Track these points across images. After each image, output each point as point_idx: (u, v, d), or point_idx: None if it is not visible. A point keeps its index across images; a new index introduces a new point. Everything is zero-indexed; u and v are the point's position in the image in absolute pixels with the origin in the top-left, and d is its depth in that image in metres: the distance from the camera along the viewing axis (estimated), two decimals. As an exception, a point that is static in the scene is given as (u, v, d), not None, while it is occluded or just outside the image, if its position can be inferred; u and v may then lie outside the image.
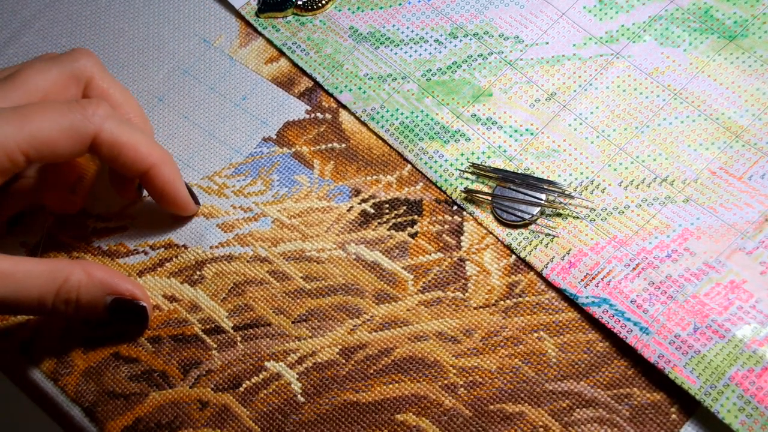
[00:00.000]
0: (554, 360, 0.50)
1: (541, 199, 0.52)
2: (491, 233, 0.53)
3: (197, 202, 0.55)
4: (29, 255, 0.56)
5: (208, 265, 0.54)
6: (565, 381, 0.49)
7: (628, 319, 0.49)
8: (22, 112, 0.48)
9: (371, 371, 0.51)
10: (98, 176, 0.56)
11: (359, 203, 0.55)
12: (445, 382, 0.50)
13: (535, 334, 0.50)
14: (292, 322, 0.52)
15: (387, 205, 0.54)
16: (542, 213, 0.53)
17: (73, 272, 0.50)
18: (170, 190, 0.53)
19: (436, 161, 0.55)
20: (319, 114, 0.57)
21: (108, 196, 0.57)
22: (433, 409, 0.50)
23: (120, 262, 0.55)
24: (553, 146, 0.54)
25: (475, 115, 0.56)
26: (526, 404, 0.49)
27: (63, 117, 0.48)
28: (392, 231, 0.54)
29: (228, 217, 0.55)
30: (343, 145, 0.56)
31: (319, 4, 0.60)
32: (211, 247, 0.55)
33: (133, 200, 0.56)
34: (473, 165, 0.54)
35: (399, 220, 0.54)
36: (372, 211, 0.54)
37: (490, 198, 0.53)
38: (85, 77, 0.53)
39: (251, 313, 0.53)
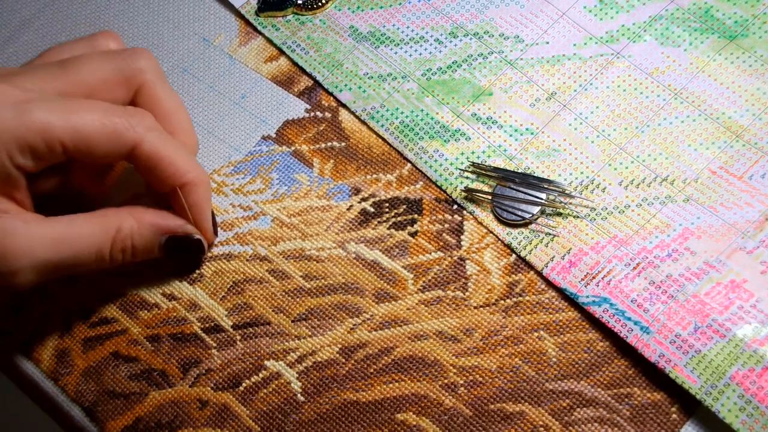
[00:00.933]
0: (554, 359, 0.50)
1: (542, 199, 0.52)
2: (491, 232, 0.53)
3: (216, 234, 0.54)
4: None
5: (207, 263, 0.54)
6: (565, 380, 0.49)
7: (629, 319, 0.49)
8: (69, 104, 0.47)
9: (371, 370, 0.51)
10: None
11: (359, 202, 0.55)
12: (445, 381, 0.50)
13: (536, 334, 0.50)
14: (292, 321, 0.52)
15: (387, 204, 0.54)
16: (542, 212, 0.53)
17: (124, 220, 0.50)
18: (197, 213, 0.52)
19: (436, 160, 0.55)
20: (318, 113, 0.57)
21: (106, 194, 0.57)
22: (433, 408, 0.50)
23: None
24: (553, 146, 0.54)
25: (476, 114, 0.56)
26: (527, 404, 0.49)
27: (107, 119, 0.48)
28: (392, 230, 0.54)
29: (227, 215, 0.55)
30: (343, 144, 0.56)
31: (319, 4, 0.60)
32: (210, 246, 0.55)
33: (99, 193, 0.56)
34: (473, 164, 0.54)
35: (399, 219, 0.54)
36: (372, 210, 0.54)
37: (490, 197, 0.53)
38: (137, 82, 0.52)
39: (251, 311, 0.53)
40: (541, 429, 0.48)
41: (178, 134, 0.53)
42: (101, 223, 0.49)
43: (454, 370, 0.50)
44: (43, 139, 0.46)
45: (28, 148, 0.46)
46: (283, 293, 0.53)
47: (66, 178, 0.53)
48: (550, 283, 0.51)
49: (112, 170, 0.56)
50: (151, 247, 0.51)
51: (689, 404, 0.48)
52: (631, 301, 0.49)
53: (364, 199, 0.55)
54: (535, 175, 0.53)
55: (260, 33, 0.60)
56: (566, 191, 0.52)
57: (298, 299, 0.53)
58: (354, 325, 0.52)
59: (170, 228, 0.51)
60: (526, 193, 0.53)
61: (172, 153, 0.50)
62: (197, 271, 0.54)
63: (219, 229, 0.55)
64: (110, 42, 0.54)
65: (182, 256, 0.53)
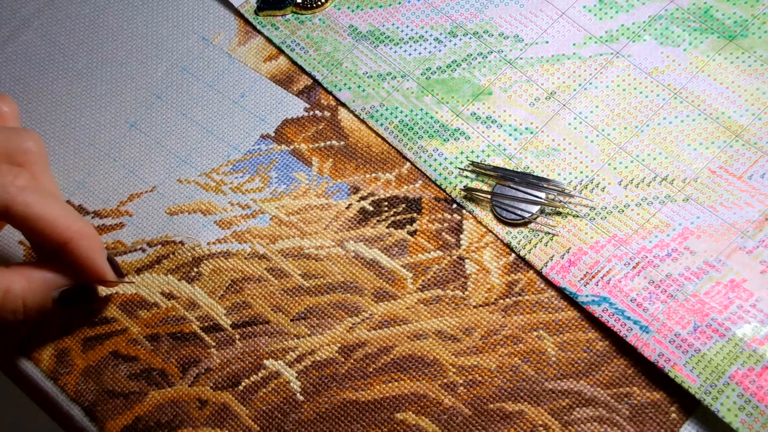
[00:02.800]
0: (554, 359, 0.50)
1: (541, 198, 0.52)
2: (491, 231, 0.53)
3: (120, 275, 0.52)
4: (28, 254, 0.56)
5: (205, 261, 0.54)
6: (564, 380, 0.49)
7: (628, 318, 0.49)
8: None
9: (370, 370, 0.51)
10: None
11: (358, 201, 0.55)
12: (445, 380, 0.50)
13: (535, 333, 0.50)
14: (291, 320, 0.52)
15: (386, 203, 0.54)
16: (542, 211, 0.53)
17: (13, 282, 0.48)
18: (88, 265, 0.50)
19: (435, 159, 0.55)
20: (317, 112, 0.57)
21: (104, 192, 0.57)
22: (433, 407, 0.50)
23: (118, 260, 0.55)
24: (552, 145, 0.54)
25: (475, 113, 0.56)
26: (526, 403, 0.49)
27: None
28: (391, 229, 0.54)
29: (225, 213, 0.55)
30: (342, 143, 0.56)
31: (319, 2, 0.60)
32: (208, 244, 0.55)
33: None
34: (473, 163, 0.54)
35: (398, 217, 0.54)
36: (371, 208, 0.54)
37: (489, 196, 0.53)
38: (20, 162, 0.50)
39: (249, 310, 0.53)
40: (541, 428, 0.48)
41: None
42: None
43: (454, 370, 0.50)
44: None
45: None
46: (282, 292, 0.53)
47: None
48: (549, 283, 0.51)
49: None
50: (44, 303, 0.50)
51: (689, 403, 0.48)
52: (631, 300, 0.49)
53: (363, 198, 0.55)
54: (535, 174, 0.53)
55: (259, 32, 0.60)
56: (566, 190, 0.52)
57: (297, 298, 0.53)
58: (353, 324, 0.52)
59: (62, 282, 0.50)
60: (525, 193, 0.52)
61: (50, 211, 0.48)
62: (195, 270, 0.54)
63: (216, 226, 0.55)
64: (4, 106, 0.53)
65: (76, 303, 0.51)
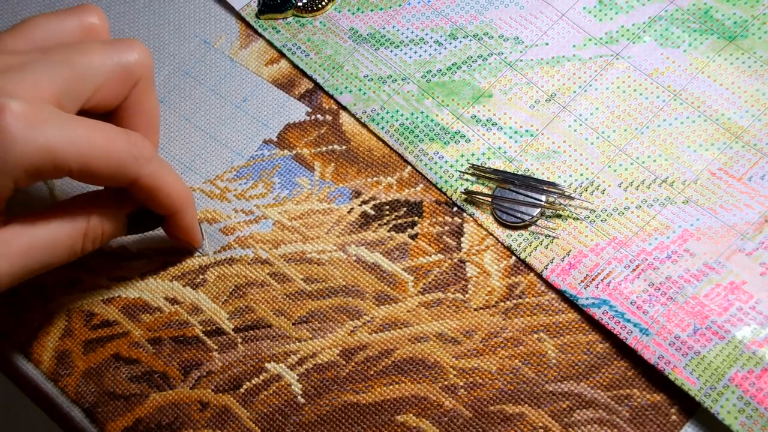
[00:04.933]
0: (554, 361, 0.50)
1: (541, 201, 0.52)
2: (491, 234, 0.53)
3: (203, 236, 0.55)
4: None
5: (210, 269, 0.54)
6: (565, 382, 0.49)
7: (628, 321, 0.49)
8: (80, 127, 0.46)
9: (371, 372, 0.51)
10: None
11: (360, 205, 0.55)
12: (446, 383, 0.50)
13: (535, 335, 0.50)
14: (293, 324, 0.52)
15: (387, 207, 0.54)
16: (542, 214, 0.53)
17: (91, 214, 0.49)
18: (190, 233, 0.53)
19: (436, 162, 0.55)
20: (319, 116, 0.57)
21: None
22: (434, 410, 0.50)
23: (123, 265, 0.55)
24: (553, 147, 0.54)
25: (475, 116, 0.56)
26: (526, 405, 0.49)
27: (114, 151, 0.47)
28: (392, 232, 0.54)
29: (229, 220, 0.55)
30: (344, 147, 0.56)
31: (319, 6, 0.60)
32: (214, 252, 0.55)
33: None
34: (473, 166, 0.54)
35: (399, 221, 0.54)
36: (372, 212, 0.54)
37: (490, 199, 0.53)
38: (135, 78, 0.50)
39: (252, 314, 0.53)
40: (541, 430, 0.49)
41: (153, 135, 0.52)
42: (72, 222, 0.48)
43: (454, 372, 0.50)
44: (53, 165, 0.45)
45: (35, 171, 0.45)
46: (284, 296, 0.53)
47: None
48: (549, 285, 0.51)
49: None
50: (118, 229, 0.50)
51: (689, 406, 0.48)
52: (631, 302, 0.49)
53: (364, 202, 0.55)
54: (535, 177, 0.53)
55: (261, 35, 0.60)
56: (566, 193, 0.52)
57: (299, 302, 0.53)
58: (354, 327, 0.52)
59: (132, 205, 0.50)
60: (525, 195, 0.53)
61: (168, 183, 0.49)
62: (200, 277, 0.54)
63: (221, 234, 0.55)
64: (95, 18, 0.52)
65: (145, 226, 0.52)
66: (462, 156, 0.55)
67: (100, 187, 0.51)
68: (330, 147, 0.57)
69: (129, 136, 0.48)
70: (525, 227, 0.53)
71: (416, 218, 0.54)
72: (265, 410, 0.51)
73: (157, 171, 0.49)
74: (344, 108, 0.57)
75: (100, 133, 0.47)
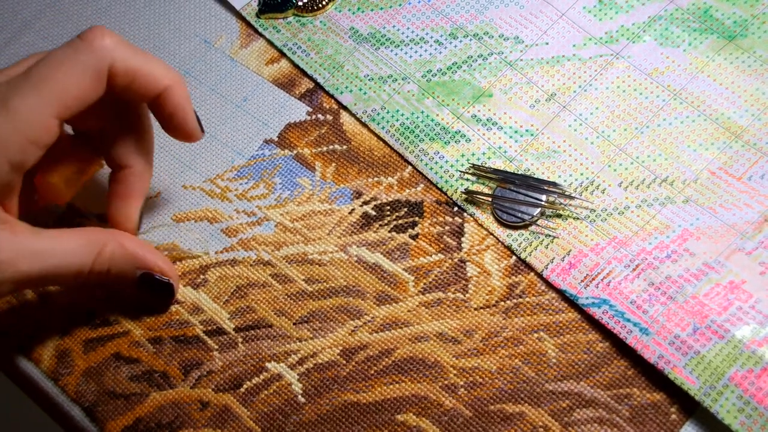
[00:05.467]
0: (554, 360, 0.50)
1: (542, 200, 0.52)
2: (492, 234, 0.53)
3: (203, 130, 0.53)
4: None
5: (211, 269, 0.54)
6: (565, 381, 0.49)
7: (628, 320, 0.49)
8: (37, 76, 0.47)
9: (372, 372, 0.51)
10: (95, 176, 0.56)
11: (360, 205, 0.55)
12: (446, 382, 0.50)
13: (536, 335, 0.51)
14: (294, 324, 0.52)
15: (388, 207, 0.54)
16: (542, 214, 0.53)
17: (108, 242, 0.49)
18: (181, 113, 0.51)
19: (436, 162, 0.55)
20: (320, 115, 0.57)
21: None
22: (434, 409, 0.50)
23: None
24: (553, 147, 0.54)
25: (476, 115, 0.56)
26: (526, 404, 0.49)
27: (75, 62, 0.47)
28: (393, 233, 0.54)
29: (231, 221, 0.55)
30: (345, 147, 0.56)
31: (320, 5, 0.60)
32: (216, 253, 0.55)
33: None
34: (473, 166, 0.54)
35: (400, 221, 0.54)
36: (373, 213, 0.54)
37: (490, 199, 0.53)
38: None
39: (253, 314, 0.53)
40: (541, 430, 0.49)
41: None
42: (88, 243, 0.49)
43: (455, 371, 0.50)
44: (40, 126, 0.46)
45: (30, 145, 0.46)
46: (286, 296, 0.53)
47: (28, 188, 0.53)
48: (550, 285, 0.51)
49: (80, 177, 0.54)
50: (125, 276, 0.51)
51: (688, 405, 0.48)
52: (631, 302, 0.49)
53: (365, 203, 0.55)
54: (535, 176, 0.53)
55: (261, 35, 0.60)
56: (566, 193, 0.52)
57: (300, 302, 0.53)
58: (355, 327, 0.52)
59: (148, 263, 0.51)
60: (526, 195, 0.53)
61: (146, 62, 0.49)
62: (201, 277, 0.54)
63: (223, 235, 0.55)
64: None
65: (151, 295, 0.52)
66: (462, 156, 0.55)
67: None
68: (331, 147, 0.57)
69: (82, 37, 0.48)
70: (525, 227, 0.53)
71: (417, 218, 0.54)
72: (265, 410, 0.51)
73: (129, 54, 0.49)
74: (345, 108, 0.57)
75: (50, 63, 0.47)
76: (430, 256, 0.53)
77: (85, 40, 0.48)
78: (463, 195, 0.54)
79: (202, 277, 0.54)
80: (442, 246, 0.53)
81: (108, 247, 0.49)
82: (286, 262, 0.54)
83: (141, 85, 0.49)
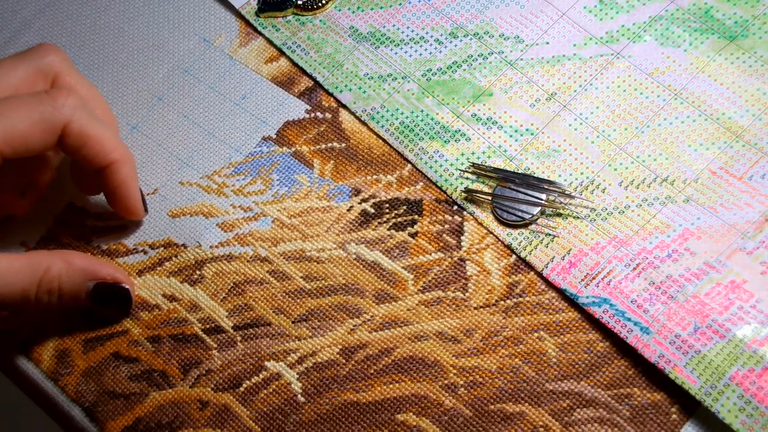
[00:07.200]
0: (554, 360, 0.50)
1: (542, 199, 0.52)
2: (491, 233, 0.53)
3: (146, 210, 0.55)
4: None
5: (207, 264, 0.54)
6: (565, 381, 0.49)
7: (629, 319, 0.49)
8: None
9: (371, 371, 0.51)
10: (51, 183, 0.56)
11: (359, 203, 0.55)
12: (446, 381, 0.50)
13: (536, 334, 0.50)
14: (292, 322, 0.52)
15: (387, 205, 0.54)
16: (542, 213, 0.53)
17: (53, 262, 0.50)
18: (124, 190, 0.53)
19: (436, 161, 0.55)
20: (319, 113, 0.57)
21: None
22: (434, 409, 0.50)
23: (120, 261, 0.55)
24: (553, 146, 0.54)
25: (476, 114, 0.56)
26: (527, 404, 0.49)
27: (34, 110, 0.48)
28: (392, 231, 0.54)
29: (228, 216, 0.55)
30: (343, 145, 0.56)
31: (319, 4, 0.60)
32: (210, 247, 0.55)
33: (92, 194, 0.57)
34: (473, 165, 0.54)
35: (399, 219, 0.54)
36: (372, 210, 0.54)
37: (490, 198, 0.53)
38: (52, 73, 0.53)
39: (251, 312, 0.53)
40: (541, 429, 0.48)
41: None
42: (30, 263, 0.49)
43: (455, 371, 0.50)
44: None
45: None
46: (284, 294, 0.53)
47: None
48: (550, 284, 0.51)
49: (35, 189, 0.56)
50: (78, 291, 0.51)
51: (689, 404, 0.48)
52: (631, 301, 0.49)
53: (364, 200, 0.55)
54: (535, 175, 0.53)
55: (260, 34, 0.60)
56: (566, 192, 0.52)
57: (298, 300, 0.53)
58: (354, 325, 0.52)
59: (100, 274, 0.51)
60: (526, 194, 0.53)
61: (100, 131, 0.50)
62: (198, 273, 0.54)
63: (219, 229, 0.55)
64: (52, 57, 0.54)
65: (109, 304, 0.53)
66: (462, 155, 0.55)
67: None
68: (329, 144, 0.56)
69: (49, 92, 0.50)
70: (525, 226, 0.53)
71: (416, 216, 0.54)
72: (264, 409, 0.51)
73: (86, 119, 0.50)
74: (344, 106, 0.57)
75: (17, 101, 0.48)
76: (430, 254, 0.53)
77: (50, 96, 0.49)
78: (463, 193, 0.54)
79: (198, 273, 0.54)
80: (441, 244, 0.53)
81: (54, 267, 0.50)
82: (284, 258, 0.54)
83: (89, 153, 0.51)
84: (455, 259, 0.53)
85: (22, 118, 0.48)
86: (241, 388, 0.51)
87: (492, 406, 0.49)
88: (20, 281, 0.49)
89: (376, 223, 0.54)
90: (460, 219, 0.54)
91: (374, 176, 0.55)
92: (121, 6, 0.62)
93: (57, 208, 0.57)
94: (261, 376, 0.51)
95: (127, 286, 0.52)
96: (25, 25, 0.63)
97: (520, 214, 0.52)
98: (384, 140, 0.56)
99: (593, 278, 0.50)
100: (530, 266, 0.52)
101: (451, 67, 0.57)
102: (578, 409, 0.49)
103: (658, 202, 0.52)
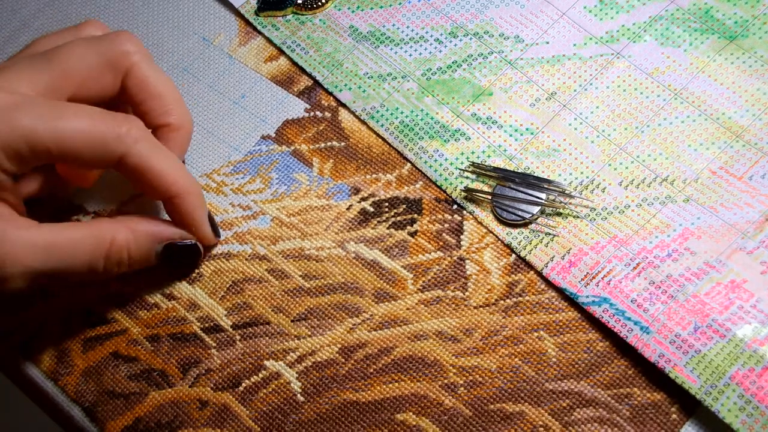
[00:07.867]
0: (554, 359, 0.50)
1: (542, 199, 0.52)
2: (491, 232, 0.53)
3: (218, 234, 0.54)
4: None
5: (206, 262, 0.54)
6: (565, 380, 0.49)
7: (629, 319, 0.49)
8: (57, 110, 0.47)
9: (371, 370, 0.51)
10: None
11: (359, 202, 0.55)
12: (445, 381, 0.50)
13: (535, 334, 0.50)
14: (292, 321, 0.52)
15: (386, 204, 0.54)
16: (542, 212, 0.53)
17: (119, 232, 0.49)
18: (189, 222, 0.51)
19: (436, 160, 0.55)
20: (318, 112, 0.57)
21: (105, 192, 0.57)
22: (433, 408, 0.50)
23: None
24: (553, 146, 0.54)
25: (476, 114, 0.56)
26: (526, 404, 0.49)
27: (96, 129, 0.47)
28: (392, 230, 0.54)
29: (226, 215, 0.55)
30: (343, 144, 0.56)
31: (319, 3, 0.60)
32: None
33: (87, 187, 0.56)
34: (473, 164, 0.54)
35: (398, 218, 0.54)
36: (371, 209, 0.54)
37: (490, 197, 0.53)
38: (125, 66, 0.51)
39: (250, 311, 0.53)
40: (541, 429, 0.48)
41: (170, 114, 0.53)
42: (95, 235, 0.48)
43: (454, 370, 0.50)
44: (29, 146, 0.46)
45: (13, 153, 0.46)
46: (283, 293, 0.53)
47: (51, 174, 0.53)
48: (550, 283, 0.51)
49: None
50: (148, 256, 0.51)
51: (689, 404, 0.48)
52: (631, 301, 0.49)
53: (363, 199, 0.55)
54: (535, 175, 0.53)
55: (260, 33, 0.60)
56: (566, 191, 0.52)
57: (297, 299, 0.53)
58: (353, 324, 0.52)
59: (167, 236, 0.51)
60: (526, 193, 0.52)
61: (159, 165, 0.49)
62: (196, 271, 0.54)
63: (219, 228, 0.55)
64: (96, 30, 0.54)
65: (180, 262, 0.52)
66: (462, 154, 0.55)
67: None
68: (329, 143, 0.56)
69: (115, 116, 0.48)
70: (525, 225, 0.53)
71: (416, 215, 0.54)
72: (264, 408, 0.51)
73: (146, 151, 0.49)
74: (343, 105, 0.57)
75: (81, 111, 0.47)
76: (429, 253, 0.53)
77: (116, 121, 0.48)
78: (463, 193, 0.54)
79: (196, 271, 0.54)
80: (441, 243, 0.53)
81: (120, 236, 0.49)
82: (283, 257, 0.54)
83: (148, 186, 0.50)
84: (455, 258, 0.53)
85: (82, 132, 0.47)
86: (241, 388, 0.51)
87: (492, 406, 0.49)
88: (87, 253, 0.48)
89: (375, 222, 0.54)
90: (459, 218, 0.54)
91: (374, 175, 0.55)
92: (120, 5, 0.62)
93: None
94: (260, 375, 0.51)
95: (194, 241, 0.52)
96: (25, 25, 0.63)
97: (519, 213, 0.52)
98: (383, 139, 0.56)
99: (593, 278, 0.50)
100: (530, 265, 0.52)
101: (451, 67, 0.57)
102: (578, 409, 0.49)
103: (658, 201, 0.52)
